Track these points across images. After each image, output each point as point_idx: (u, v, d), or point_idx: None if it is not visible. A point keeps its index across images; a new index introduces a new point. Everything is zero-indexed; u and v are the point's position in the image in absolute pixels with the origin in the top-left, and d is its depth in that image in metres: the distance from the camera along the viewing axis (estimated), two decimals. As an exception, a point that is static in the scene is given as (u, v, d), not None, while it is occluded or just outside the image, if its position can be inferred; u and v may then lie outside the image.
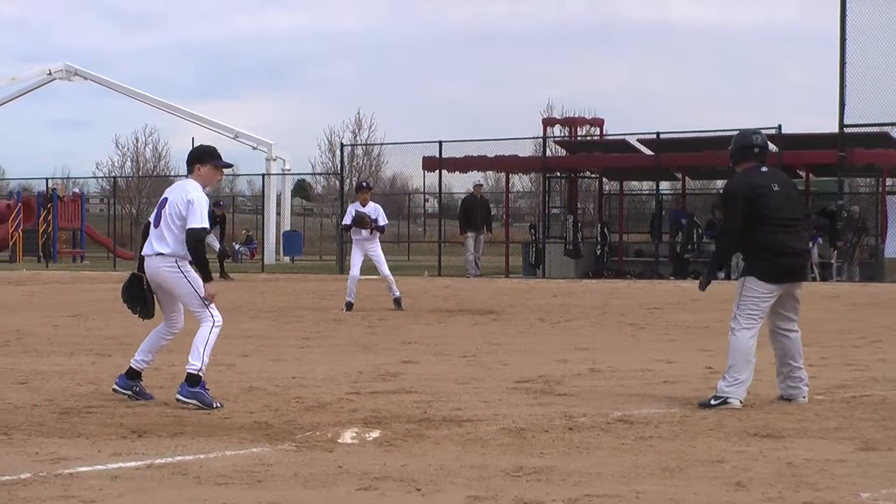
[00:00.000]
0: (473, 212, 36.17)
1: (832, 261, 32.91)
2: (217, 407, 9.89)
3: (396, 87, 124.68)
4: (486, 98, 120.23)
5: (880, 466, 7.59)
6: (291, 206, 58.66)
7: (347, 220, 21.61)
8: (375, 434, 8.61)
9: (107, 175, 59.49)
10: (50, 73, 56.15)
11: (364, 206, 21.44)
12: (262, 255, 49.88)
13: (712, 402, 10.00)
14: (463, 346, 15.18)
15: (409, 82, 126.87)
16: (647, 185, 44.81)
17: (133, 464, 7.59)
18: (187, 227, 10.08)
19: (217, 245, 34.43)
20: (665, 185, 41.06)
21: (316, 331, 17.49)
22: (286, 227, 54.04)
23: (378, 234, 21.44)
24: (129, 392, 10.33)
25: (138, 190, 56.58)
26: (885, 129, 33.34)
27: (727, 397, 10.00)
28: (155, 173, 60.02)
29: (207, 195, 10.40)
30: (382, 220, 21.43)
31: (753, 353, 10.19)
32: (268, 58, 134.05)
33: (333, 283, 31.29)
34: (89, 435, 8.64)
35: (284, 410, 9.80)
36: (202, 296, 10.17)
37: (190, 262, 10.21)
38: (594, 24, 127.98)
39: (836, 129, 33.20)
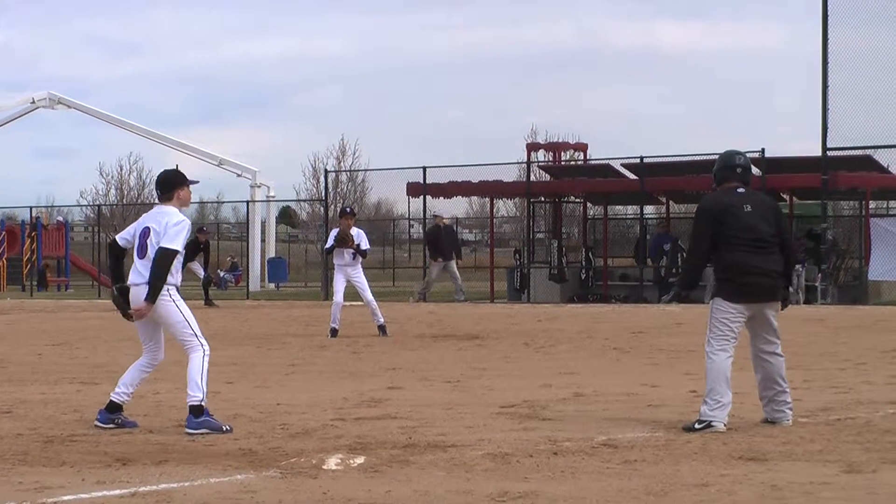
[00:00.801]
0: (440, 240, 36.08)
1: (816, 284, 32.97)
2: (227, 430, 9.95)
3: (380, 112, 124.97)
4: (470, 124, 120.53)
5: (864, 489, 7.60)
6: (276, 233, 58.66)
7: (330, 242, 21.64)
8: (360, 460, 8.61)
9: (91, 203, 59.45)
10: (33, 102, 56.17)
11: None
12: (247, 281, 49.81)
13: (696, 426, 10.01)
14: (448, 371, 15.18)
15: (393, 108, 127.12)
16: (631, 210, 44.90)
17: (117, 492, 7.57)
18: (161, 244, 10.04)
19: (202, 272, 34.26)
20: (649, 210, 41.14)
21: (301, 357, 17.47)
22: (271, 253, 54.01)
23: (360, 259, 21.44)
24: (111, 426, 10.30)
25: (123, 218, 56.42)
26: (868, 152, 33.46)
27: (711, 421, 10.01)
28: (139, 201, 59.92)
29: (191, 221, 10.43)
30: (365, 244, 21.44)
31: (727, 379, 10.18)
32: (253, 85, 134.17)
33: (318, 309, 31.26)
34: (73, 463, 8.62)
35: (269, 437, 9.79)
36: (192, 325, 10.18)
37: (177, 288, 10.22)
38: (579, 50, 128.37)
39: (819, 153, 33.33)
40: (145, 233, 10.23)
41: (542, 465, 8.46)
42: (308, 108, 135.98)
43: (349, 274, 21.43)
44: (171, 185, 10.40)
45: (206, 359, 10.15)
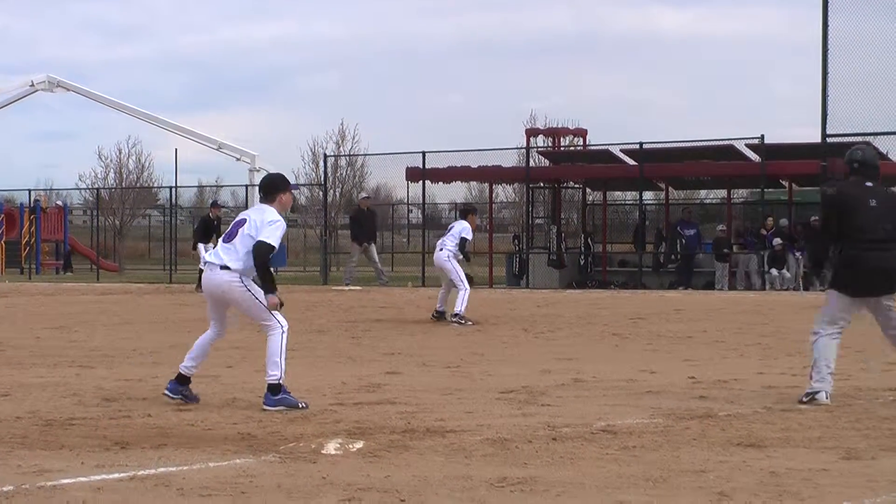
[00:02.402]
0: (362, 224, 35.96)
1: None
2: (303, 407, 10.35)
3: (380, 97, 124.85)
4: (469, 109, 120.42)
5: (863, 476, 7.60)
6: (275, 217, 58.50)
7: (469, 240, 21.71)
8: (359, 445, 8.61)
9: (90, 187, 59.34)
10: (32, 85, 55.94)
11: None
12: (246, 266, 49.70)
13: (804, 398, 10.54)
14: (447, 356, 15.18)
15: (392, 93, 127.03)
16: (630, 196, 44.88)
17: (116, 475, 7.57)
18: (258, 238, 10.36)
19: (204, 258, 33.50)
20: (648, 196, 41.13)
21: (299, 342, 17.46)
22: (270, 238, 53.84)
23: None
24: (178, 397, 10.67)
25: (121, 201, 56.44)
26: (868, 138, 33.44)
27: (815, 393, 10.52)
28: (138, 185, 59.87)
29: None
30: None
31: (832, 357, 10.66)
32: (252, 69, 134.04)
33: (317, 294, 31.29)
34: (72, 447, 8.62)
35: (268, 422, 9.79)
36: (266, 305, 10.51)
37: (253, 278, 10.57)
38: (578, 35, 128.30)
39: (818, 139, 33.31)
40: (241, 222, 10.62)
41: (541, 450, 8.47)
42: (307, 92, 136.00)
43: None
44: (275, 189, 10.73)
45: (285, 336, 10.54)
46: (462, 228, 21.45)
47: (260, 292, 10.48)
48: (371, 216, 37.03)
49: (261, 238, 10.37)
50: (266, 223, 10.42)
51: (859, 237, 10.39)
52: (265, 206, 10.65)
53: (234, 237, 10.52)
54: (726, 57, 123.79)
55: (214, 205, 35.06)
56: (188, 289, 32.60)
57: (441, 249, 21.47)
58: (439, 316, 21.27)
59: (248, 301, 10.48)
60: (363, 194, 38.31)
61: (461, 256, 21.44)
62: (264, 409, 10.28)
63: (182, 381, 10.73)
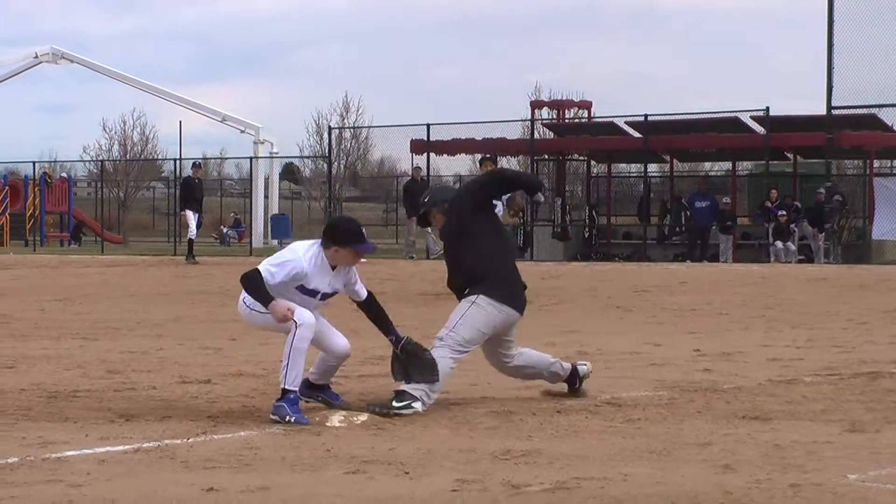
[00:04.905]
0: (417, 195, 35.68)
1: (820, 243, 32.96)
2: (289, 421, 8.49)
3: (384, 69, 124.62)
4: (474, 81, 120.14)
5: (867, 448, 7.59)
6: (279, 190, 58.57)
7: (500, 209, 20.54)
8: (363, 417, 8.61)
9: (94, 159, 59.34)
10: (36, 57, 55.94)
11: None
12: (250, 238, 49.76)
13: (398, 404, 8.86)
14: (451, 329, 15.13)
15: (397, 65, 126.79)
16: (635, 168, 44.82)
17: (120, 448, 7.57)
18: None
19: (194, 229, 32.58)
20: (653, 168, 41.08)
21: (304, 314, 17.44)
22: (274, 210, 53.94)
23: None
24: (311, 399, 9.11)
25: (125, 173, 56.44)
26: (873, 110, 33.40)
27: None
28: (143, 157, 59.85)
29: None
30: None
31: None
32: (256, 41, 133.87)
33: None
34: (76, 419, 8.62)
35: (272, 394, 9.73)
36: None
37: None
38: (583, 6, 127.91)
39: (824, 112, 33.25)
40: None
41: (546, 423, 8.46)
42: (312, 64, 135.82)
43: None
44: (332, 238, 8.92)
45: (298, 333, 8.77)
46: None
47: (257, 304, 8.78)
48: (425, 187, 36.83)
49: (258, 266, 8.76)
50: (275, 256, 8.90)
51: None
52: (304, 245, 8.96)
53: None
54: (731, 28, 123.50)
55: (196, 166, 34.61)
56: (178, 261, 32.48)
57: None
58: None
59: (251, 317, 9.04)
60: (415, 165, 37.94)
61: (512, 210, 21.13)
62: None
63: (312, 386, 9.17)
